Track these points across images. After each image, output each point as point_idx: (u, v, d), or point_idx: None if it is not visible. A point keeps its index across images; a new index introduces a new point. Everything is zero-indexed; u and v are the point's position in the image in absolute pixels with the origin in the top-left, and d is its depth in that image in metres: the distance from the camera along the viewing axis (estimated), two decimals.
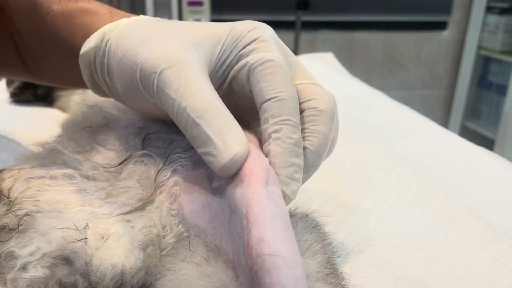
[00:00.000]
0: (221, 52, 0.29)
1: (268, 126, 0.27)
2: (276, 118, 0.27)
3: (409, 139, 0.61)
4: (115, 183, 0.30)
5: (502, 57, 1.92)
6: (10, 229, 0.26)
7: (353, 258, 0.35)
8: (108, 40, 0.31)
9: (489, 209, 0.44)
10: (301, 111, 0.29)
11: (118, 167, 0.32)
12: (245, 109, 0.31)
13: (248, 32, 0.29)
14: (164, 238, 0.28)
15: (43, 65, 0.39)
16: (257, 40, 0.29)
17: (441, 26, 2.11)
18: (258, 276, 0.20)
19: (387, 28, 2.06)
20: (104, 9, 0.35)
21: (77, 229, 0.26)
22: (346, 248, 0.36)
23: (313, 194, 0.45)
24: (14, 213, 0.27)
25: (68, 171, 0.30)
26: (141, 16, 0.33)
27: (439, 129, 0.66)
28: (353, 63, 2.05)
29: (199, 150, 0.26)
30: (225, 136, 0.25)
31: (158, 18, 0.33)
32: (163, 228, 0.28)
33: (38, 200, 0.28)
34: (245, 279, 0.22)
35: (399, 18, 2.03)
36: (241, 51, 0.29)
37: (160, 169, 0.30)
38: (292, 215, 0.30)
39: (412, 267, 0.34)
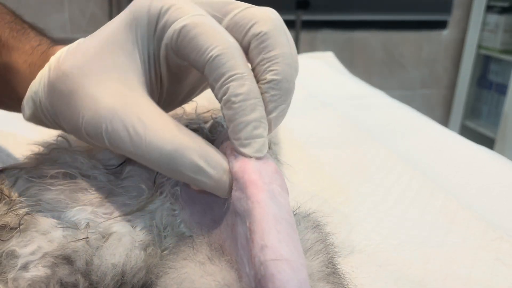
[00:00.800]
0: (141, 53, 0.27)
1: (216, 92, 0.25)
2: (219, 80, 0.25)
3: (409, 139, 0.61)
4: (116, 182, 0.30)
5: (502, 56, 1.91)
6: (11, 228, 0.26)
7: (353, 257, 0.35)
8: (40, 103, 0.29)
9: (489, 208, 0.44)
10: (247, 45, 0.27)
11: (118, 167, 0.32)
12: (199, 82, 0.31)
13: (149, 11, 0.26)
14: (165, 238, 0.28)
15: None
16: (162, 12, 0.26)
17: (441, 25, 2.11)
18: (261, 283, 0.20)
19: (387, 27, 2.05)
20: (23, 62, 0.31)
21: (78, 228, 0.26)
22: (347, 248, 0.36)
23: (313, 194, 0.45)
24: (15, 213, 0.27)
25: (69, 170, 0.30)
26: (54, 58, 0.29)
27: (439, 129, 0.66)
28: (353, 63, 2.05)
29: (195, 188, 0.26)
30: (208, 172, 0.24)
31: (70, 50, 0.29)
32: (164, 228, 0.28)
33: (39, 200, 0.28)
34: (250, 286, 0.22)
35: (399, 17, 2.03)
36: (156, 36, 0.27)
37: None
38: (294, 214, 0.30)
39: (413, 267, 0.34)
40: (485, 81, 2.09)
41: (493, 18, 1.96)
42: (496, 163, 0.54)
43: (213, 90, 0.26)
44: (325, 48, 1.96)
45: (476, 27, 2.03)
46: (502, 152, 1.52)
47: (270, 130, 0.27)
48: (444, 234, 0.39)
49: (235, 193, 0.24)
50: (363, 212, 0.42)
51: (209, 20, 0.26)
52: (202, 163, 0.24)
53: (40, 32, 0.34)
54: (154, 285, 0.25)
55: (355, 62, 2.07)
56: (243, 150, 0.25)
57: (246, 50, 0.27)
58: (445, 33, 2.13)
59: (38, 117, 0.30)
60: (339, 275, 0.27)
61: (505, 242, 0.38)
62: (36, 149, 0.35)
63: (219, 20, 0.27)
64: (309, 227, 0.28)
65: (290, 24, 1.85)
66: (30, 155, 0.34)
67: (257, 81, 0.26)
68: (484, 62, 2.09)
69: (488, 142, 1.90)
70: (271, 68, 0.26)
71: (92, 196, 0.29)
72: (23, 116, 0.31)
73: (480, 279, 0.33)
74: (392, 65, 2.13)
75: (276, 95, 0.26)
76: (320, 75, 0.97)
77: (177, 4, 0.26)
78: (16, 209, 0.27)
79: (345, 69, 1.09)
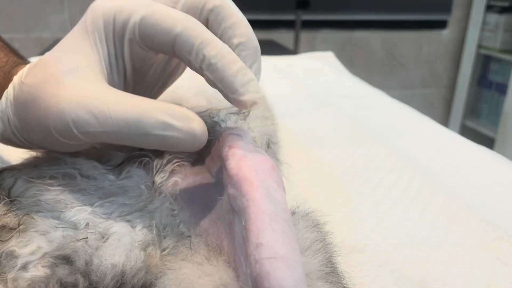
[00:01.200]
0: (103, 54, 0.28)
1: (193, 64, 0.26)
2: (192, 52, 0.26)
3: (409, 139, 0.61)
4: (115, 183, 0.30)
5: (502, 56, 1.91)
6: (11, 229, 0.26)
7: (353, 257, 0.35)
8: (8, 120, 0.30)
9: (489, 208, 0.44)
10: (206, 21, 0.29)
11: (118, 167, 0.32)
12: (165, 67, 0.31)
13: (103, 17, 0.28)
14: (164, 238, 0.28)
15: None
16: (116, 13, 0.27)
17: (441, 25, 2.11)
18: (257, 282, 0.20)
19: (387, 27, 2.05)
20: None
21: (77, 228, 0.26)
22: (347, 248, 0.36)
23: (313, 194, 0.45)
24: (14, 213, 0.27)
25: (68, 170, 0.30)
26: (17, 76, 0.30)
27: (439, 128, 0.66)
28: (353, 62, 2.05)
29: (165, 149, 0.27)
30: (174, 125, 0.25)
31: (34, 63, 0.29)
32: (164, 228, 0.28)
33: (39, 200, 0.28)
34: (247, 285, 0.22)
35: (399, 17, 2.03)
36: (116, 36, 0.28)
37: (158, 170, 0.30)
38: (293, 213, 0.30)
39: (413, 267, 0.34)
40: (485, 80, 2.09)
41: (493, 17, 1.95)
42: (496, 163, 0.54)
43: (189, 65, 0.26)
44: (325, 48, 1.96)
45: (476, 27, 2.03)
46: (502, 151, 1.52)
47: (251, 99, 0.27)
48: (444, 234, 0.39)
49: (231, 191, 0.24)
50: (363, 211, 0.42)
51: (164, 6, 0.27)
52: (167, 118, 0.25)
53: (11, 51, 0.34)
54: (153, 286, 0.25)
55: (355, 62, 2.07)
56: (242, 98, 0.25)
57: (206, 26, 0.28)
58: (445, 32, 2.13)
59: (8, 138, 0.31)
60: (338, 274, 0.27)
61: (505, 242, 0.38)
62: (35, 151, 0.35)
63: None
64: (308, 226, 0.28)
65: (290, 24, 1.85)
66: (29, 155, 0.34)
67: None
68: (484, 61, 2.09)
69: (488, 141, 1.90)
70: (235, 33, 0.28)
71: (92, 196, 0.29)
72: None
73: (480, 279, 0.33)
74: (392, 65, 2.13)
75: (248, 55, 0.28)
76: (320, 74, 0.97)
77: (129, 2, 0.27)
78: (15, 209, 0.27)
79: (345, 68, 1.09)
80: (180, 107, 0.26)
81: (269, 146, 0.38)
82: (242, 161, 0.25)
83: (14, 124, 0.29)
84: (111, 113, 0.25)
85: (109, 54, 0.28)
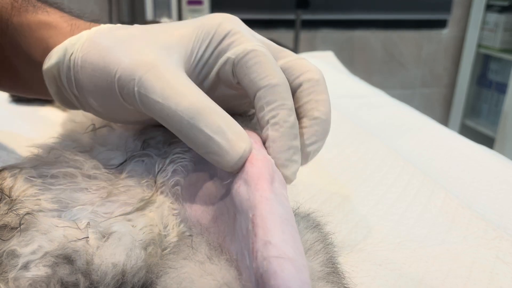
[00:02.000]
0: (196, 52, 0.29)
1: (264, 114, 0.27)
2: (271, 105, 0.27)
3: (409, 138, 0.61)
4: (116, 182, 0.30)
5: (501, 55, 1.92)
6: (12, 228, 0.26)
7: (354, 256, 0.35)
8: (72, 54, 0.30)
9: (489, 207, 0.44)
10: (297, 87, 0.30)
11: (119, 167, 0.32)
12: (231, 98, 0.32)
13: (218, 26, 0.29)
14: (165, 237, 0.28)
15: (11, 77, 0.38)
16: (230, 33, 0.29)
17: (440, 24, 2.11)
18: (263, 279, 0.20)
19: (387, 26, 2.06)
20: (65, 22, 0.33)
21: (78, 228, 0.26)
22: (347, 247, 0.36)
23: (314, 193, 0.45)
24: (15, 212, 0.27)
25: (69, 170, 0.31)
26: (102, 25, 0.32)
27: (439, 128, 0.66)
28: (353, 62, 2.05)
29: (201, 151, 0.26)
30: (227, 134, 0.25)
31: (120, 25, 0.31)
32: (165, 227, 0.28)
33: (40, 199, 0.28)
34: (250, 281, 0.22)
35: (399, 16, 2.03)
36: (218, 47, 0.29)
37: (160, 169, 0.31)
38: (294, 214, 0.30)
39: (413, 266, 0.34)
40: (484, 80, 2.09)
41: (493, 17, 1.96)
42: (496, 162, 0.54)
43: (259, 112, 0.28)
44: (325, 48, 1.96)
45: (476, 26, 2.03)
46: (501, 151, 1.52)
47: (306, 160, 0.30)
48: (445, 232, 0.39)
49: (240, 183, 0.24)
50: (363, 211, 0.42)
51: (271, 55, 0.29)
52: (224, 126, 0.25)
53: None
54: (154, 285, 0.25)
55: (355, 61, 2.07)
56: (282, 169, 0.27)
57: (294, 91, 0.30)
58: (445, 32, 2.13)
59: (59, 70, 0.31)
60: (339, 274, 0.27)
61: (505, 241, 0.38)
62: (36, 150, 0.35)
63: None
64: (309, 227, 0.29)
65: (290, 24, 1.85)
66: (30, 154, 0.34)
67: (303, 116, 0.30)
68: (484, 61, 2.09)
69: (488, 141, 1.90)
70: (319, 108, 0.30)
71: (93, 195, 0.29)
72: (45, 64, 0.32)
73: (480, 278, 0.33)
74: (392, 64, 2.13)
75: (319, 131, 0.30)
76: None
77: (243, 33, 0.29)
78: (16, 209, 0.27)
79: (345, 68, 1.09)
80: (238, 124, 0.26)
81: None
82: (263, 162, 0.25)
83: (76, 62, 0.30)
84: (178, 90, 0.26)
85: (202, 56, 0.29)
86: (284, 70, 0.30)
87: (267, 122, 0.27)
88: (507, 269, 0.34)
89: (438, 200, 0.44)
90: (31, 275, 0.24)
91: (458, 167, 0.52)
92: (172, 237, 0.28)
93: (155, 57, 0.27)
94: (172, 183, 0.30)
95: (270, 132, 0.27)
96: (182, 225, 0.28)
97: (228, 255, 0.24)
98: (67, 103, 0.34)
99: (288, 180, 0.27)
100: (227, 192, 0.26)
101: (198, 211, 0.28)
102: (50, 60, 0.31)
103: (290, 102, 0.28)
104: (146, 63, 0.27)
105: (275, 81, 0.27)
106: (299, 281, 0.20)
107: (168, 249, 0.27)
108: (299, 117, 0.30)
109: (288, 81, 0.29)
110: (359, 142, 0.58)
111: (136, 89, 0.26)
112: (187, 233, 0.28)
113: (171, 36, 0.29)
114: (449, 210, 0.42)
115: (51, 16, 0.33)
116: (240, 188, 0.24)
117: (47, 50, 0.32)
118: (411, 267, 0.34)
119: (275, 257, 0.20)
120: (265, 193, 0.23)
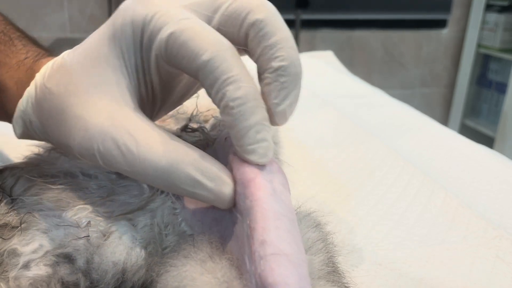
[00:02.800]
0: (128, 66, 0.26)
1: (213, 99, 0.24)
2: (214, 86, 0.23)
3: (409, 138, 0.62)
4: (117, 181, 0.30)
5: (501, 55, 1.92)
6: (13, 227, 0.26)
7: (354, 256, 0.35)
8: (29, 122, 0.28)
9: (489, 207, 0.44)
10: (246, 33, 0.25)
11: None
12: (190, 82, 0.30)
13: (132, 22, 0.25)
14: (166, 236, 0.28)
15: None
16: (146, 22, 0.25)
17: (440, 24, 2.11)
18: (261, 277, 0.20)
19: (387, 26, 2.05)
20: (10, 79, 0.30)
21: (79, 227, 0.26)
22: (347, 246, 0.37)
23: (314, 193, 0.45)
24: (16, 212, 0.27)
25: (70, 169, 0.31)
26: (39, 74, 0.28)
27: (439, 127, 0.67)
28: (352, 62, 2.05)
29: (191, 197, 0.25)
30: (206, 185, 0.24)
31: (54, 67, 0.28)
32: (165, 226, 0.28)
33: (41, 198, 0.28)
34: (250, 282, 0.22)
35: (399, 16, 2.03)
36: (144, 47, 0.26)
37: None
38: (295, 213, 0.30)
39: (413, 265, 0.34)
40: (484, 80, 2.09)
41: (493, 17, 1.96)
42: (496, 161, 0.54)
43: (210, 96, 0.24)
44: (324, 47, 1.96)
45: (476, 26, 2.03)
46: (501, 151, 1.52)
47: (285, 119, 0.26)
48: (445, 232, 0.39)
49: (237, 191, 0.24)
50: (364, 210, 0.42)
51: (197, 23, 0.24)
52: (199, 176, 0.23)
53: (29, 41, 0.33)
54: (155, 283, 0.25)
55: (355, 61, 2.07)
56: (247, 156, 0.24)
57: (244, 42, 0.26)
58: (444, 32, 2.13)
59: (30, 135, 0.30)
60: (339, 273, 0.27)
61: (505, 240, 0.38)
62: (36, 149, 0.35)
63: (210, 19, 0.26)
64: (310, 226, 0.29)
65: (289, 24, 1.85)
66: (30, 154, 0.34)
67: (263, 71, 0.25)
68: (484, 61, 2.09)
69: (487, 141, 1.90)
70: (276, 55, 0.25)
71: (93, 195, 0.29)
72: (15, 134, 0.30)
73: (480, 277, 0.33)
74: (391, 64, 2.13)
75: (286, 82, 0.25)
76: (320, 74, 0.97)
77: (161, 11, 0.25)
78: (17, 208, 0.27)
79: (345, 68, 1.10)
80: (214, 164, 0.24)
81: None
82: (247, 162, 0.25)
83: (36, 126, 0.28)
84: (140, 156, 0.23)
85: (136, 65, 0.26)
86: (225, 23, 0.26)
87: (218, 106, 0.24)
88: (507, 269, 0.34)
89: (438, 199, 0.44)
90: (32, 274, 0.24)
91: (458, 167, 0.52)
92: (173, 236, 0.28)
93: (100, 115, 0.25)
94: None
95: (224, 117, 0.24)
96: (182, 224, 0.28)
97: (229, 254, 0.24)
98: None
99: (260, 163, 0.24)
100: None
101: (199, 211, 0.28)
102: (16, 131, 0.30)
103: (235, 70, 0.23)
104: (97, 131, 0.24)
105: (205, 56, 0.23)
106: (297, 275, 0.20)
107: (169, 248, 0.27)
108: (259, 72, 0.26)
109: (234, 34, 0.25)
110: (359, 142, 0.59)
111: (100, 162, 0.25)
112: (188, 233, 0.28)
113: (99, 66, 0.26)
114: (449, 210, 0.42)
115: (0, 72, 0.31)
116: (238, 194, 0.24)
117: (7, 116, 0.31)
118: (411, 266, 0.34)
119: (271, 255, 0.20)
120: (256, 195, 0.22)
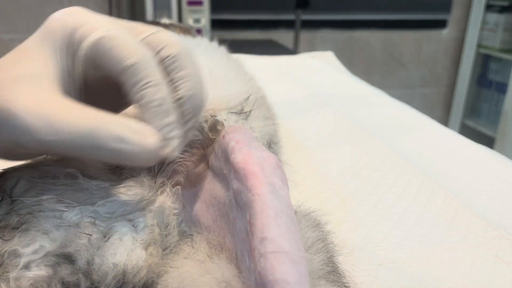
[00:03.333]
0: (57, 68, 0.28)
1: (132, 98, 0.26)
2: (135, 86, 0.26)
3: (410, 138, 0.62)
4: (117, 182, 0.30)
5: (501, 55, 1.92)
6: (13, 228, 0.26)
7: (354, 256, 0.35)
8: None
9: (489, 206, 0.44)
10: (161, 64, 0.28)
11: (119, 167, 0.32)
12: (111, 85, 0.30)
13: (60, 29, 0.27)
14: (166, 237, 0.28)
15: None
16: (74, 29, 0.27)
17: (440, 24, 2.11)
18: (261, 275, 0.20)
19: (387, 26, 2.06)
20: None
21: (79, 228, 0.26)
22: (347, 246, 0.37)
23: (314, 193, 0.45)
24: (16, 213, 0.27)
25: (70, 170, 0.31)
26: None
27: (439, 127, 0.67)
28: (352, 62, 2.05)
29: (120, 163, 0.27)
30: (129, 138, 0.25)
31: None
32: (165, 227, 0.28)
33: (41, 199, 0.28)
34: (249, 279, 0.22)
35: (399, 16, 2.03)
36: (71, 50, 0.27)
37: (160, 169, 0.31)
38: (295, 212, 0.30)
39: (414, 265, 0.34)
40: (484, 80, 2.09)
41: (493, 17, 1.96)
42: (496, 161, 0.54)
43: (128, 96, 0.26)
44: (324, 48, 1.96)
45: (476, 26, 2.03)
46: (502, 151, 1.52)
47: (185, 140, 0.28)
48: (445, 232, 0.39)
49: (236, 185, 0.24)
50: (364, 210, 0.42)
51: (124, 34, 0.27)
52: (122, 132, 0.24)
53: None
54: (155, 284, 0.25)
55: (355, 62, 2.07)
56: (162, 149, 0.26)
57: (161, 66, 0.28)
58: (444, 32, 2.13)
59: None
60: (339, 273, 0.27)
61: (505, 240, 0.38)
62: None
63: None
64: (310, 225, 0.29)
65: (289, 24, 1.85)
66: None
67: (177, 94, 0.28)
68: (484, 61, 2.09)
69: (488, 141, 1.90)
70: (182, 86, 0.28)
71: (93, 196, 0.29)
72: None
73: (480, 277, 0.33)
74: (392, 65, 2.13)
75: (189, 109, 0.28)
76: (320, 74, 0.97)
77: (91, 21, 0.27)
78: (17, 209, 0.27)
79: (345, 68, 1.10)
80: (136, 122, 0.25)
81: (271, 146, 0.38)
82: (248, 156, 0.25)
83: None
84: (64, 122, 0.24)
85: (66, 66, 0.28)
86: (146, 44, 0.28)
87: (137, 105, 0.26)
88: (507, 268, 0.34)
89: (438, 200, 0.44)
90: (33, 275, 0.24)
91: (458, 167, 0.52)
92: (173, 237, 0.28)
93: (28, 99, 0.25)
94: (173, 182, 0.30)
95: (142, 114, 0.26)
96: (183, 225, 0.28)
97: (228, 253, 0.24)
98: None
99: (170, 156, 0.27)
100: (227, 195, 0.26)
101: (199, 211, 0.28)
102: None
103: (155, 76, 0.26)
104: (24, 108, 0.25)
105: (132, 60, 0.26)
106: (297, 273, 0.20)
107: (169, 249, 0.27)
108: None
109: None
110: (359, 142, 0.59)
111: (27, 138, 0.25)
112: (188, 233, 0.28)
113: (25, 62, 0.27)
114: (449, 210, 0.42)
115: None
116: (236, 188, 0.24)
117: None
118: (411, 266, 0.34)
119: (272, 253, 0.20)
120: (257, 189, 0.23)
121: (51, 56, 0.27)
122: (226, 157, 0.27)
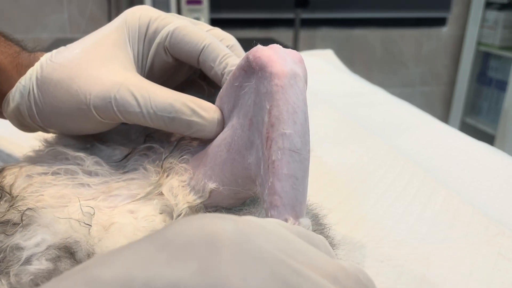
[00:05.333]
0: (132, 50, 0.33)
1: (215, 70, 0.32)
2: (216, 60, 0.32)
3: (410, 136, 0.61)
4: (118, 176, 0.30)
5: (501, 52, 1.91)
6: (14, 224, 0.26)
7: (355, 253, 0.35)
8: (28, 95, 0.32)
9: (490, 204, 0.44)
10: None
11: (122, 161, 0.32)
12: (171, 71, 0.36)
13: (139, 19, 0.33)
14: (177, 206, 0.28)
15: None
16: (151, 21, 0.33)
17: (440, 22, 2.11)
18: (275, 166, 0.23)
19: (386, 24, 2.05)
20: (9, 63, 0.34)
21: (80, 219, 0.26)
22: (348, 244, 0.36)
23: (314, 191, 0.45)
24: (17, 209, 0.27)
25: (70, 167, 0.31)
26: (42, 58, 0.33)
27: (439, 125, 0.66)
28: (352, 60, 2.05)
29: (188, 133, 0.31)
30: (200, 113, 0.30)
31: (57, 52, 0.33)
32: (175, 197, 0.29)
33: (42, 195, 0.28)
34: (261, 168, 0.24)
35: (398, 14, 2.03)
36: (146, 38, 0.33)
37: (167, 156, 0.31)
38: None
39: (415, 263, 0.34)
40: (484, 77, 2.09)
41: (492, 14, 1.95)
42: (497, 159, 0.54)
43: (210, 71, 0.33)
44: (324, 46, 1.96)
45: (476, 24, 2.02)
46: (502, 148, 1.52)
47: None
48: (446, 229, 0.39)
49: (261, 87, 0.26)
50: (365, 208, 0.42)
51: (192, 24, 0.33)
52: (195, 107, 0.30)
53: (17, 43, 0.37)
54: None
55: (355, 60, 2.07)
56: None
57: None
58: (444, 30, 2.13)
59: (21, 112, 0.33)
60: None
61: (507, 237, 0.38)
62: (37, 147, 0.35)
63: None
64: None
65: (289, 22, 1.85)
66: (28, 153, 0.34)
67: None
68: (484, 58, 2.09)
69: (488, 138, 1.90)
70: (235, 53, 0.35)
71: (95, 191, 0.29)
72: (4, 110, 0.34)
73: (482, 274, 0.33)
74: (391, 63, 2.13)
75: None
76: (320, 73, 0.97)
77: (163, 15, 0.34)
78: (17, 205, 0.27)
79: (345, 66, 1.09)
80: (205, 101, 0.31)
81: None
82: (274, 48, 0.26)
83: (35, 98, 0.32)
84: (150, 97, 0.30)
85: (138, 52, 0.34)
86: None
87: (222, 74, 0.32)
88: (509, 265, 0.34)
89: (439, 197, 0.44)
90: (34, 269, 0.24)
91: (459, 164, 0.52)
92: (184, 204, 0.28)
93: (115, 75, 0.31)
94: (180, 161, 0.31)
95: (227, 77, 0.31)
96: (192, 194, 0.29)
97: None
98: (31, 131, 0.36)
99: None
100: (246, 98, 0.28)
101: (207, 167, 0.29)
102: (9, 105, 0.34)
103: (227, 51, 0.32)
104: (113, 82, 0.30)
105: (207, 41, 0.32)
106: (303, 171, 0.23)
107: (181, 216, 0.28)
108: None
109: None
110: (360, 140, 0.58)
111: (115, 108, 0.30)
112: (197, 201, 0.29)
113: (108, 46, 0.33)
114: (450, 208, 0.42)
115: None
116: (260, 83, 0.26)
117: (1, 95, 0.34)
118: (412, 264, 0.34)
119: (288, 150, 0.23)
120: (280, 81, 0.25)
121: (129, 43, 0.33)
122: (246, 61, 0.28)
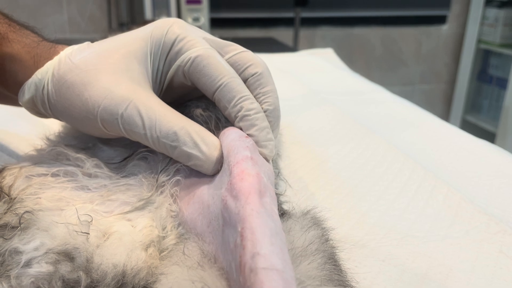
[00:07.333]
0: (151, 65, 0.33)
1: (230, 111, 0.31)
2: (232, 102, 0.31)
3: (410, 134, 0.61)
4: (117, 180, 0.30)
5: (502, 50, 1.91)
6: (12, 227, 0.25)
7: (356, 252, 0.35)
8: (43, 89, 0.32)
9: (492, 201, 0.44)
10: (245, 80, 0.33)
11: (121, 163, 0.32)
12: (186, 91, 0.36)
13: (166, 35, 0.32)
14: (164, 239, 0.28)
15: None
16: (177, 40, 0.32)
17: (440, 20, 2.11)
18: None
19: (386, 23, 2.05)
20: (27, 53, 0.34)
21: (78, 225, 0.26)
22: (349, 243, 0.36)
23: (314, 190, 0.45)
24: (15, 212, 0.26)
25: (70, 168, 0.30)
26: (62, 55, 0.33)
27: (440, 122, 0.66)
28: (352, 59, 2.05)
29: (187, 164, 0.30)
30: (202, 147, 0.29)
31: (79, 50, 0.33)
32: (163, 229, 0.28)
33: (40, 198, 0.28)
34: None
35: (398, 13, 2.03)
36: (168, 57, 0.33)
37: (163, 168, 0.31)
38: (289, 215, 0.30)
39: (416, 261, 0.34)
40: (485, 75, 2.09)
41: (493, 12, 1.95)
42: (498, 156, 0.54)
43: (224, 111, 0.31)
44: (324, 45, 1.96)
45: (476, 22, 2.02)
46: (503, 146, 1.52)
47: (272, 152, 0.32)
48: (447, 227, 0.39)
49: (228, 198, 0.24)
50: (365, 207, 0.42)
51: (217, 54, 0.32)
52: (198, 140, 0.29)
53: (36, 32, 0.37)
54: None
55: (355, 58, 2.07)
56: (262, 150, 0.30)
57: (244, 82, 0.32)
58: (444, 28, 2.12)
59: (35, 103, 0.33)
60: (341, 271, 0.27)
61: (508, 235, 0.37)
62: (41, 141, 0.35)
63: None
64: (305, 226, 0.28)
65: (289, 21, 1.85)
66: (29, 152, 0.34)
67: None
68: (484, 56, 2.09)
69: (489, 136, 1.90)
70: (266, 100, 0.32)
71: (93, 194, 0.29)
72: (20, 99, 0.34)
73: (484, 272, 0.33)
74: (391, 61, 2.13)
75: (271, 122, 0.32)
76: (320, 71, 0.97)
77: (190, 37, 0.32)
78: (16, 208, 0.27)
79: (345, 65, 1.09)
80: (210, 134, 0.30)
81: None
82: (248, 173, 0.25)
83: (51, 95, 0.32)
84: (157, 120, 0.29)
85: (158, 68, 0.33)
86: (231, 65, 0.33)
87: (235, 117, 0.31)
88: (510, 263, 0.34)
89: (440, 194, 0.44)
90: (34, 272, 0.24)
91: (460, 162, 0.52)
92: (171, 240, 0.28)
93: (127, 89, 0.30)
94: (173, 183, 0.30)
95: (241, 124, 0.31)
96: (180, 228, 0.28)
97: (221, 265, 0.24)
98: (47, 118, 0.36)
99: (268, 157, 0.31)
100: (218, 202, 0.26)
101: (194, 214, 0.28)
102: (24, 95, 0.33)
103: (247, 91, 0.31)
104: (123, 98, 0.30)
105: (226, 79, 0.31)
106: None
107: (166, 252, 0.27)
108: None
109: (238, 74, 0.32)
110: (360, 138, 0.58)
111: (121, 126, 0.30)
112: (185, 236, 0.28)
113: (127, 56, 0.32)
114: (452, 205, 0.42)
115: (14, 48, 0.34)
116: (228, 202, 0.24)
117: (17, 84, 0.34)
118: (414, 262, 0.34)
119: (262, 268, 0.19)
120: (255, 206, 0.23)
121: (149, 57, 0.32)
122: (227, 160, 0.26)
